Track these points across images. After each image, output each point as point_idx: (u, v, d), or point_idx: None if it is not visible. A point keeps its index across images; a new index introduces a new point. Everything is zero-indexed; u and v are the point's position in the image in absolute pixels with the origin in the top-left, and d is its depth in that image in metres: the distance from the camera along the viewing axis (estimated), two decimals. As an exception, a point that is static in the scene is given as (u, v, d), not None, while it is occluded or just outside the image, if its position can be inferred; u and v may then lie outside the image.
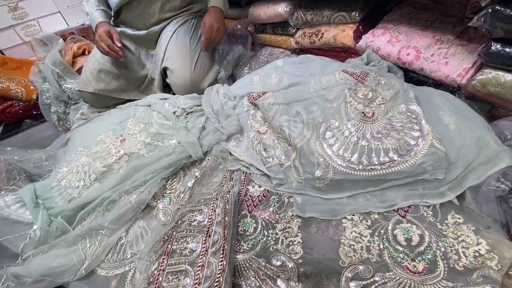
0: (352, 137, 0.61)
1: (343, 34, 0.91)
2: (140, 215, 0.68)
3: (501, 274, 0.43)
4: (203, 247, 0.54)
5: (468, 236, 0.49)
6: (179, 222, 0.61)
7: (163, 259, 0.54)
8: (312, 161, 0.62)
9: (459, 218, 0.52)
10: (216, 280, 0.48)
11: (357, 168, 0.58)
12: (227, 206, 0.61)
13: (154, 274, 0.52)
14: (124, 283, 0.57)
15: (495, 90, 0.63)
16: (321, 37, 0.98)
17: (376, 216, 0.56)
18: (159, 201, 0.70)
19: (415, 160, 0.55)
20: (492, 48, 0.60)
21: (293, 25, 1.10)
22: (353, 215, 0.57)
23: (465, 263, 0.47)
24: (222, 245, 0.54)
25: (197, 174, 0.73)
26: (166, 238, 0.59)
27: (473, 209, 0.53)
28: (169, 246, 0.56)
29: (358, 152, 0.59)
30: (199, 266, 0.51)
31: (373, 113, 0.63)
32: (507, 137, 0.57)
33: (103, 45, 0.96)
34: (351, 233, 0.55)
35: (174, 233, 0.59)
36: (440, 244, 0.50)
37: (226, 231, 0.56)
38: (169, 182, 0.73)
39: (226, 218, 0.58)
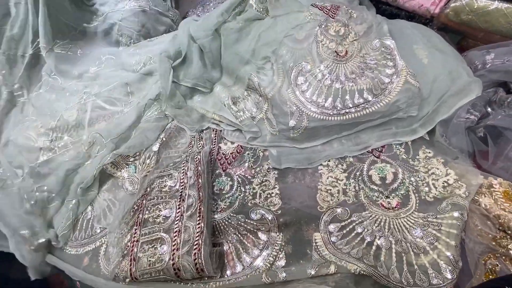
0: (325, 80, 0.57)
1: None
2: (105, 187, 0.62)
3: (468, 201, 0.46)
4: (178, 212, 0.51)
5: (438, 168, 0.51)
6: (148, 189, 0.57)
7: (135, 229, 0.51)
8: (285, 110, 0.58)
9: (429, 152, 0.53)
10: (195, 243, 0.46)
11: (331, 113, 0.55)
12: (199, 168, 0.57)
13: (128, 246, 0.49)
14: (97, 259, 0.53)
15: (468, 18, 0.61)
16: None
17: (351, 159, 0.56)
18: (123, 170, 0.63)
19: (389, 99, 0.53)
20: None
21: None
22: (329, 161, 0.57)
23: (435, 193, 0.49)
24: (198, 208, 0.51)
25: (162, 136, 0.66)
26: (136, 208, 0.55)
27: (442, 143, 0.54)
28: (140, 215, 0.53)
29: (332, 96, 0.55)
30: (176, 232, 0.49)
31: (346, 51, 0.58)
32: (477, 67, 0.56)
33: None
34: (327, 178, 0.55)
35: (144, 201, 0.55)
36: (412, 179, 0.51)
37: (201, 193, 0.53)
38: (131, 148, 0.66)
39: (200, 180, 0.55)
